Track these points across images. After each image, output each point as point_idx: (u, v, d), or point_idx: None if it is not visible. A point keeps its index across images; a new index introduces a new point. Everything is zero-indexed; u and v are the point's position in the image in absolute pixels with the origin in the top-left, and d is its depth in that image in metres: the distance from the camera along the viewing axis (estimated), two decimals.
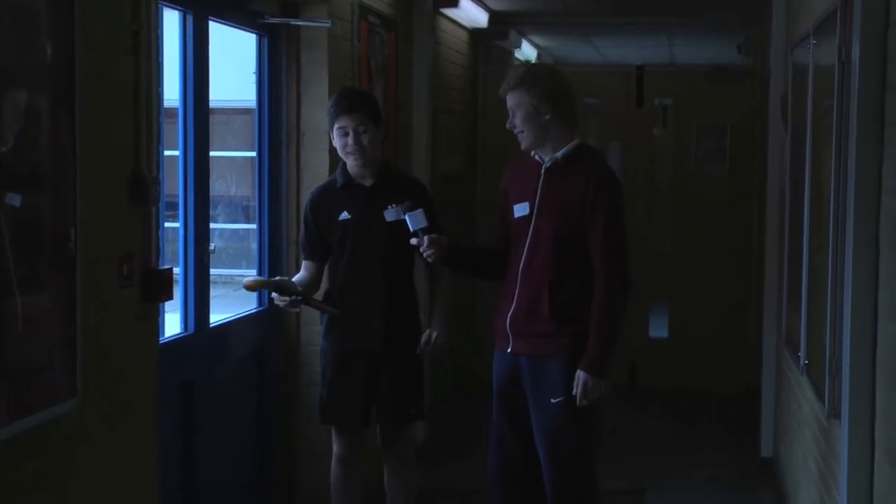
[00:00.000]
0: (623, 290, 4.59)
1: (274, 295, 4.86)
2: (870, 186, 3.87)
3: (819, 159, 4.96)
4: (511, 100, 4.62)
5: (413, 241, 4.66)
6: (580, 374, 4.49)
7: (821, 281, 4.64)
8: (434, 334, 5.04)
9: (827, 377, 4.29)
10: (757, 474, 7.10)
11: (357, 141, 4.94)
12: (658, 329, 10.07)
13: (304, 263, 5.14)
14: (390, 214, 4.95)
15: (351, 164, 5.01)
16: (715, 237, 9.73)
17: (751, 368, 8.85)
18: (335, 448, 5.14)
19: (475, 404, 8.17)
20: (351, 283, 5.00)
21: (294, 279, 5.06)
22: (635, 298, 9.35)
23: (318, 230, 5.06)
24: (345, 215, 5.01)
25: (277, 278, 4.98)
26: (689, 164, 9.85)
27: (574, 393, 4.50)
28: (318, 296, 5.09)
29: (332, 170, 5.79)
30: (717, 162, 9.78)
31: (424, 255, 4.66)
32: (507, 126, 4.66)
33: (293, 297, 4.81)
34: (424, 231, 4.64)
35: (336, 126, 4.97)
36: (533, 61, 11.97)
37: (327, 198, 5.07)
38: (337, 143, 4.99)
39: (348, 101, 5.05)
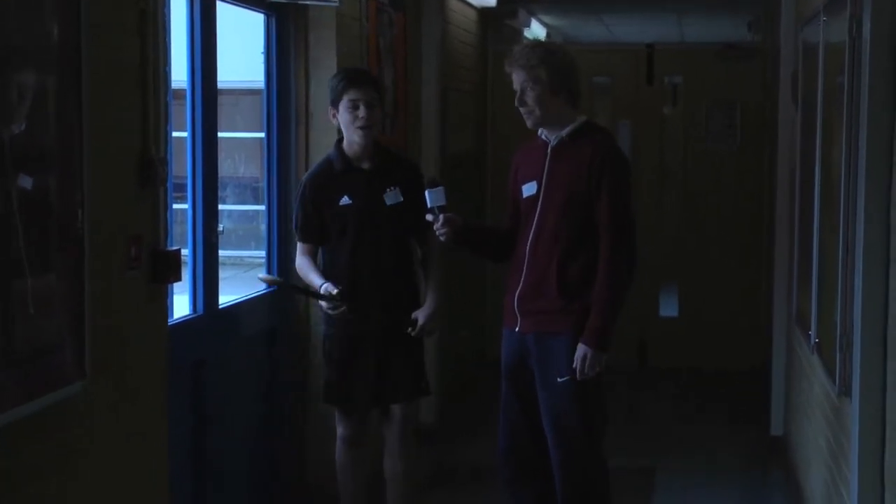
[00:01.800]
0: (628, 266, 4.58)
1: (322, 303, 4.99)
2: (881, 164, 3.85)
3: (830, 137, 4.93)
4: (520, 77, 4.60)
5: (429, 217, 4.66)
6: (580, 348, 4.50)
7: (831, 259, 4.62)
8: (425, 320, 5.04)
9: (838, 355, 4.28)
10: (767, 453, 7.10)
11: (368, 114, 4.93)
12: (668, 308, 10.06)
13: (300, 247, 5.13)
14: (389, 198, 4.97)
15: (357, 139, 4.98)
16: (725, 216, 9.71)
17: (761, 347, 8.84)
18: (340, 430, 5.15)
19: (484, 384, 8.18)
20: (354, 267, 5.00)
21: (303, 264, 5.08)
22: (645, 278, 9.45)
23: (319, 213, 5.05)
24: (345, 200, 5.00)
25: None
26: (700, 142, 9.82)
27: (574, 366, 4.50)
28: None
29: None
30: (728, 140, 9.75)
31: (438, 232, 4.65)
32: (516, 103, 4.65)
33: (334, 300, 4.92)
34: (441, 209, 4.64)
35: (346, 99, 4.95)
36: (542, 39, 11.94)
37: (326, 181, 5.05)
38: (344, 117, 4.97)
39: (358, 75, 5.09)
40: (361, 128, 4.95)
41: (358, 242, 5.00)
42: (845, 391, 4.23)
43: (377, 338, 5.04)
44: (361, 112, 4.93)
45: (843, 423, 4.43)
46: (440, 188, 4.67)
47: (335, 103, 5.00)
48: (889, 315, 3.81)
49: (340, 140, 5.07)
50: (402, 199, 5.00)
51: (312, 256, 5.12)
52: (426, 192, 4.66)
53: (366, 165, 5.02)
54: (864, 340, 3.90)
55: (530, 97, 4.59)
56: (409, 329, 5.03)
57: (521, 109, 4.62)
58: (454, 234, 4.67)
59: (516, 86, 4.61)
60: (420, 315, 5.06)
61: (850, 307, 4.12)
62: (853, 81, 4.13)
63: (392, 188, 4.99)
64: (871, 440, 3.88)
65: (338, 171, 5.03)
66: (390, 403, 5.13)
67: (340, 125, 5.03)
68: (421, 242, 5.13)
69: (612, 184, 4.54)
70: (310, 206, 5.07)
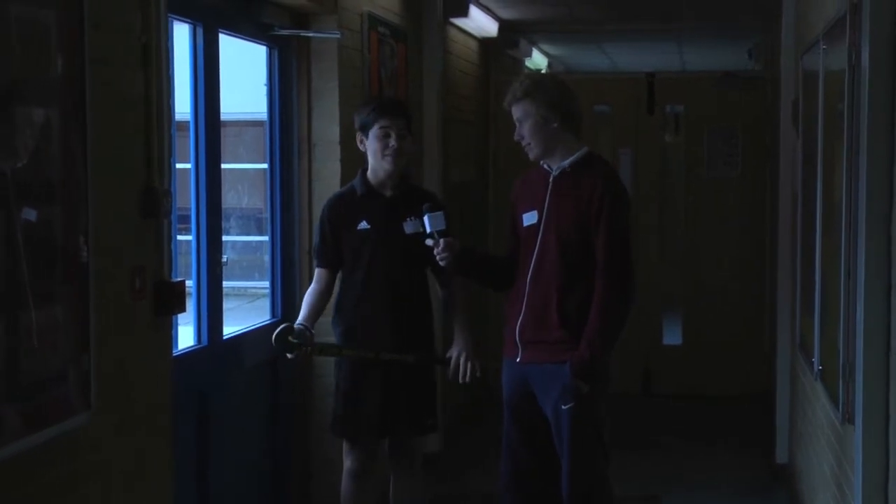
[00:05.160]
0: (624, 301, 4.56)
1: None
2: (882, 190, 3.86)
3: (831, 164, 4.95)
4: (517, 111, 4.63)
5: (428, 242, 4.66)
6: (567, 374, 4.49)
7: (833, 285, 4.63)
8: (462, 357, 5.04)
9: (840, 382, 4.28)
10: (772, 481, 7.09)
11: (399, 143, 4.96)
12: (672, 336, 10.06)
13: (317, 272, 5.13)
14: (409, 226, 4.93)
15: (386, 167, 4.98)
16: (727, 243, 9.72)
17: (765, 374, 8.82)
18: (347, 462, 5.10)
19: (489, 413, 8.17)
20: (367, 293, 5.00)
21: (308, 293, 5.07)
22: (648, 305, 9.47)
23: (335, 238, 5.05)
24: (364, 225, 5.00)
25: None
26: (701, 170, 9.85)
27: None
28: (328, 309, 5.11)
29: (343, 181, 5.80)
30: (729, 168, 9.77)
31: (437, 257, 4.65)
32: (515, 138, 4.67)
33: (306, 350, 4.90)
34: (441, 234, 4.65)
35: (377, 126, 4.96)
36: (543, 70, 11.98)
37: (346, 206, 5.05)
38: (374, 144, 4.97)
39: (392, 105, 5.15)
40: (391, 156, 4.96)
41: (372, 269, 4.98)
42: (848, 418, 4.23)
43: (385, 367, 5.00)
44: (392, 140, 4.95)
45: (846, 450, 4.42)
46: (440, 213, 4.67)
47: (364, 130, 5.00)
48: (892, 342, 3.82)
49: (365, 169, 5.08)
50: (421, 228, 4.97)
51: (326, 282, 5.09)
52: (425, 217, 4.65)
53: (387, 193, 5.04)
54: (866, 367, 3.90)
55: (526, 131, 4.62)
56: (450, 374, 5.04)
57: (522, 143, 4.65)
58: (454, 258, 4.67)
59: (515, 120, 4.65)
60: (454, 354, 5.05)
61: (852, 334, 4.12)
62: (853, 108, 4.14)
63: (412, 217, 4.91)
64: (874, 468, 3.88)
65: (359, 196, 5.04)
66: (397, 437, 5.13)
67: (368, 153, 5.03)
68: (439, 273, 5.09)
69: (611, 220, 4.53)
70: (327, 229, 5.06)
